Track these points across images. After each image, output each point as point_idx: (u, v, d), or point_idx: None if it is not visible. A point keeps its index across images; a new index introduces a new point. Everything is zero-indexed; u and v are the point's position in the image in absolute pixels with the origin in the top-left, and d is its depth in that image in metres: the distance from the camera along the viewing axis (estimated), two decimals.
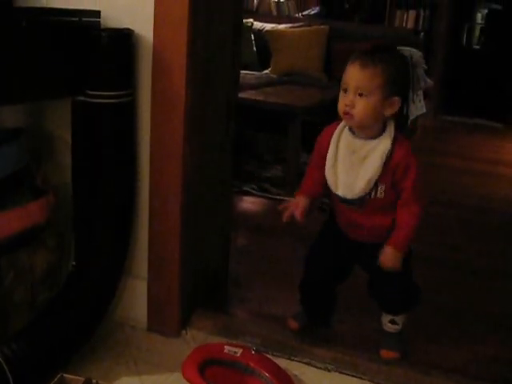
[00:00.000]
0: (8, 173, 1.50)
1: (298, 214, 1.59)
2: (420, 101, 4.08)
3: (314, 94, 3.90)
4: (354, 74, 1.48)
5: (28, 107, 1.76)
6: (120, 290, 1.74)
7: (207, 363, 1.51)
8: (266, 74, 4.74)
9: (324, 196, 1.67)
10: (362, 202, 1.55)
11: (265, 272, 2.24)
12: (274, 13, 6.17)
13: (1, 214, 1.45)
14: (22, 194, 1.54)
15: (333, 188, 1.57)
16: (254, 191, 3.17)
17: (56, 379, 1.40)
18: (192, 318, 1.80)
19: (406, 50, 3.66)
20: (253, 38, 4.92)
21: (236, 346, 1.61)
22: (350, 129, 1.56)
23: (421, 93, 4.10)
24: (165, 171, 1.66)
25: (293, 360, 1.67)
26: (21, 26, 1.35)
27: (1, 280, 1.55)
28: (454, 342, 1.84)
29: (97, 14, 1.56)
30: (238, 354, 1.55)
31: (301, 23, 5.08)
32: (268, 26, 5.00)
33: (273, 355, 1.66)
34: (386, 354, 1.68)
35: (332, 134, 1.58)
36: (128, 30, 1.57)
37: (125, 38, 1.55)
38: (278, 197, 3.06)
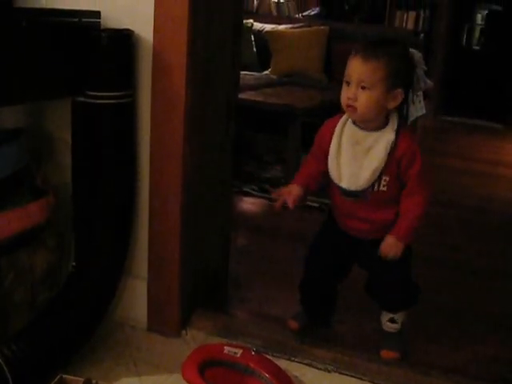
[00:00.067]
0: (8, 173, 1.50)
1: (290, 202, 1.59)
2: (420, 101, 4.08)
3: (314, 95, 3.90)
4: (357, 67, 1.48)
5: (28, 107, 1.76)
6: (120, 290, 1.74)
7: (207, 364, 1.51)
8: (266, 74, 4.73)
9: (317, 190, 1.67)
10: (364, 195, 1.54)
11: (265, 272, 2.24)
12: (274, 13, 6.16)
13: (1, 214, 1.46)
14: (22, 194, 1.54)
15: (336, 180, 1.56)
16: (253, 192, 3.17)
17: (56, 380, 1.40)
18: (192, 319, 1.80)
19: None
20: (253, 38, 4.92)
21: (236, 346, 1.61)
22: (353, 121, 1.56)
23: (421, 94, 4.09)
24: (165, 171, 1.66)
25: (293, 361, 1.67)
26: (21, 26, 1.35)
27: (1, 280, 1.54)
28: (453, 342, 1.84)
29: (97, 14, 1.56)
30: (238, 355, 1.55)
31: (301, 24, 5.08)
32: (268, 27, 4.99)
33: (273, 356, 1.66)
34: (386, 354, 1.68)
35: (334, 126, 1.58)
36: (128, 30, 1.57)
37: (125, 39, 1.55)
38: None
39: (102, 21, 1.56)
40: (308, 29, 4.87)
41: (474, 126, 5.90)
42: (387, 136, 1.52)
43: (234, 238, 2.17)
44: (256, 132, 3.84)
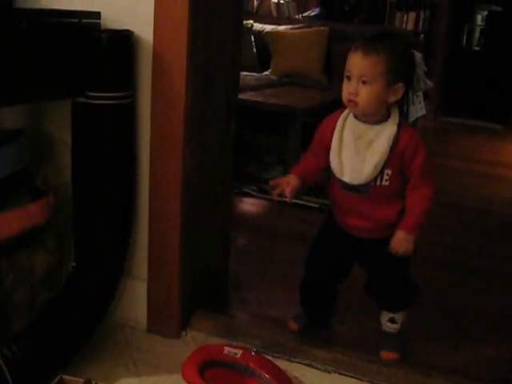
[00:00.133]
0: (8, 174, 1.50)
1: (287, 192, 1.58)
2: (420, 102, 4.07)
3: (314, 96, 3.91)
4: (357, 62, 1.48)
5: (28, 108, 1.76)
6: (120, 290, 1.74)
7: (207, 364, 1.51)
8: (266, 75, 4.74)
9: (314, 184, 1.66)
10: (366, 189, 1.54)
11: (265, 273, 2.24)
12: (274, 14, 6.17)
13: (1, 214, 1.46)
14: (22, 194, 1.54)
15: (338, 174, 1.56)
16: (253, 193, 3.17)
17: (56, 380, 1.40)
18: (192, 319, 1.80)
19: None
20: (253, 39, 4.92)
21: (236, 347, 1.61)
22: (355, 115, 1.56)
23: (421, 94, 4.09)
24: (165, 171, 1.66)
25: (293, 361, 1.67)
26: (21, 26, 1.35)
27: (0, 281, 1.54)
28: (454, 342, 1.84)
29: (97, 15, 1.56)
30: (238, 356, 1.55)
31: (301, 24, 5.08)
32: (268, 28, 5.00)
33: (273, 356, 1.66)
34: (385, 355, 1.68)
35: (335, 121, 1.58)
36: (128, 31, 1.57)
37: (125, 39, 1.56)
38: (278, 198, 3.05)
39: (102, 21, 1.56)
40: (308, 29, 4.87)
41: (475, 127, 5.90)
42: (389, 129, 1.52)
43: (234, 238, 2.17)
44: (256, 132, 3.84)
